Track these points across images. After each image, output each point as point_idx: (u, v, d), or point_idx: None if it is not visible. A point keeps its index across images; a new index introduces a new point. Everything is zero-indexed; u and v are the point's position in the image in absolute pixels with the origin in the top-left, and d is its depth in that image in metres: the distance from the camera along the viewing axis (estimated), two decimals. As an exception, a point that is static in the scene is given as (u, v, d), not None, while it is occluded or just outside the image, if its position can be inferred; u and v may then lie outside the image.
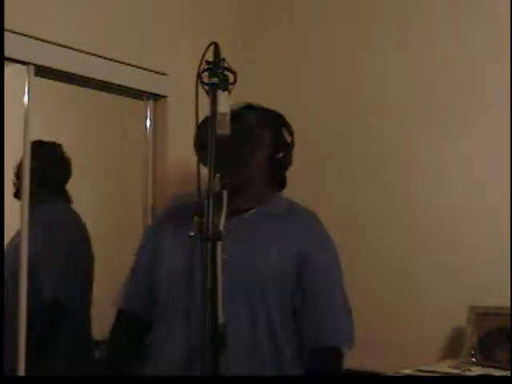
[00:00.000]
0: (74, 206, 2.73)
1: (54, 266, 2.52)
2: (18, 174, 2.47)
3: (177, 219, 1.93)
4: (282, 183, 2.05)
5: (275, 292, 1.83)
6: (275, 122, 1.99)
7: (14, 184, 2.52)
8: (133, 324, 2.01)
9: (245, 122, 1.87)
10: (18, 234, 2.30)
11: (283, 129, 2.00)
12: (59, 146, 2.73)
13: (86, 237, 2.69)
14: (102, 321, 2.56)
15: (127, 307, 2.01)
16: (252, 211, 1.91)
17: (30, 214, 2.28)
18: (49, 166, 2.64)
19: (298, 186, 2.10)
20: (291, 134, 2.03)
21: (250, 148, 1.90)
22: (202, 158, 1.59)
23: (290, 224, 1.92)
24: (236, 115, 1.57)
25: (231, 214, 1.68)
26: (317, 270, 1.88)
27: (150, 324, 1.94)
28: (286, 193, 2.05)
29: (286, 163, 2.00)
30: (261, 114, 1.96)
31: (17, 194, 2.43)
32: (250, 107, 1.96)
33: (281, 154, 1.96)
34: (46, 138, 2.64)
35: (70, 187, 2.74)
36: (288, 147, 2.00)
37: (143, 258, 2.02)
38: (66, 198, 2.72)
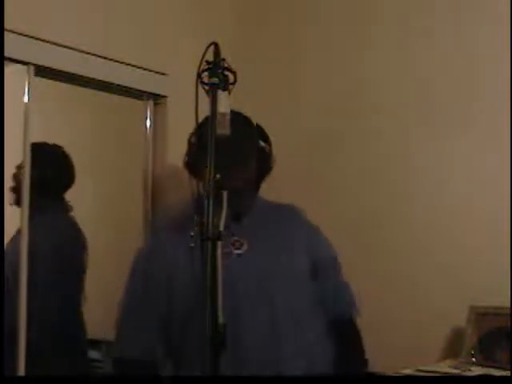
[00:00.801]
0: (73, 212, 2.70)
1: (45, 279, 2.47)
2: (17, 178, 2.45)
3: (168, 241, 1.92)
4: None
5: (291, 291, 1.88)
6: (257, 132, 2.00)
7: (13, 189, 2.46)
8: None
9: (242, 122, 1.88)
10: (18, 232, 2.29)
11: (260, 141, 1.99)
12: (60, 148, 2.70)
13: (81, 246, 2.66)
14: (100, 323, 2.58)
15: (134, 354, 1.85)
16: (249, 217, 1.93)
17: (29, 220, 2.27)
18: (49, 170, 2.59)
19: (297, 186, 2.12)
20: (270, 144, 2.03)
21: (249, 148, 1.90)
22: (201, 158, 1.59)
23: (285, 221, 1.98)
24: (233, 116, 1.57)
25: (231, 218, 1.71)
26: (324, 257, 1.99)
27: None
28: (286, 192, 2.05)
29: (268, 171, 2.02)
30: (245, 121, 1.96)
31: (16, 201, 2.39)
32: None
33: (266, 164, 1.99)
34: (46, 138, 2.63)
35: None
36: (269, 156, 2.01)
37: (147, 292, 1.90)
38: (65, 205, 2.67)
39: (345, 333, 1.98)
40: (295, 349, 1.86)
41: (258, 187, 2.03)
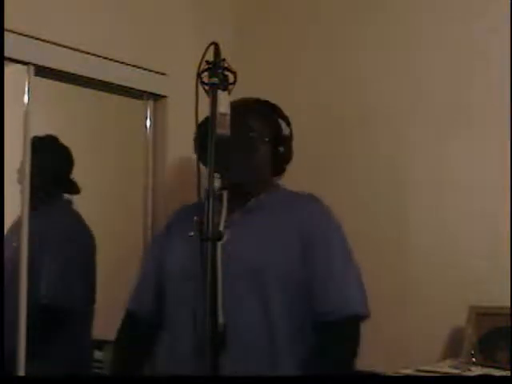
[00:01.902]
0: (79, 199, 2.72)
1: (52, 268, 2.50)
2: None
3: (183, 222, 1.93)
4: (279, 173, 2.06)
5: (281, 280, 1.83)
6: (272, 115, 2.00)
7: None
8: (138, 324, 2.03)
9: (244, 120, 1.88)
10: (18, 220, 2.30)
11: (280, 121, 1.99)
12: (54, 137, 2.70)
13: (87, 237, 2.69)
14: (106, 323, 2.58)
15: (133, 308, 2.05)
16: (251, 203, 1.93)
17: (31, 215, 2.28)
18: (48, 160, 2.60)
19: (297, 186, 2.11)
20: (289, 125, 2.03)
21: (251, 148, 1.90)
22: (201, 158, 1.59)
23: (289, 209, 1.93)
24: (234, 114, 1.57)
25: (232, 209, 1.73)
26: (320, 245, 1.89)
27: (157, 324, 1.98)
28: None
29: (287, 157, 2.02)
30: (257, 107, 1.98)
31: None
32: (245, 103, 1.96)
33: (282, 149, 1.97)
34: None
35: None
36: (287, 140, 2.01)
37: (150, 261, 2.07)
38: (69, 193, 2.70)
39: (331, 338, 1.82)
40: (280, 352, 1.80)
41: (276, 173, 2.01)
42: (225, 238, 1.72)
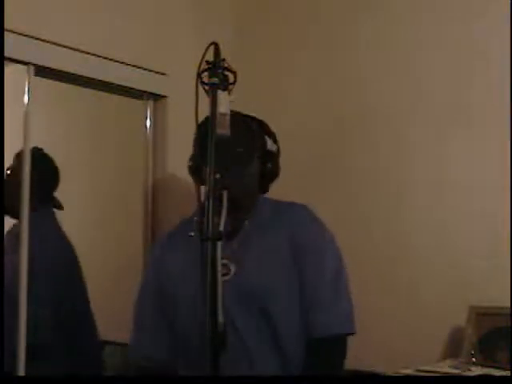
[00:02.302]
0: (79, 199, 2.69)
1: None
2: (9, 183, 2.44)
3: (178, 244, 1.95)
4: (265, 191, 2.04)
5: (279, 300, 1.85)
6: (259, 131, 1.97)
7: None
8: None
9: (241, 124, 1.87)
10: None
11: (266, 137, 1.97)
12: (40, 150, 2.61)
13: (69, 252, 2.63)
14: (106, 323, 2.58)
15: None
16: (246, 227, 1.91)
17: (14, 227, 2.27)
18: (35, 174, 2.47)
19: (297, 186, 2.12)
20: (275, 141, 2.00)
21: (239, 163, 1.87)
22: (201, 158, 1.59)
23: (284, 223, 1.92)
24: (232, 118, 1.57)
25: (229, 235, 1.74)
26: (312, 260, 1.88)
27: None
28: (285, 192, 2.05)
29: (274, 173, 1.99)
30: (244, 124, 1.92)
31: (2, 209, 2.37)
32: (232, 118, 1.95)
33: (269, 165, 1.95)
34: (46, 138, 2.63)
35: (69, 187, 2.74)
36: (274, 156, 1.98)
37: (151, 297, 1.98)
38: (52, 207, 2.65)
39: (319, 353, 1.85)
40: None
41: (262, 191, 2.00)
42: (232, 272, 1.78)
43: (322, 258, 1.90)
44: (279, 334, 1.84)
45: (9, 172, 2.49)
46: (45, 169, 2.62)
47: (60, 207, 2.66)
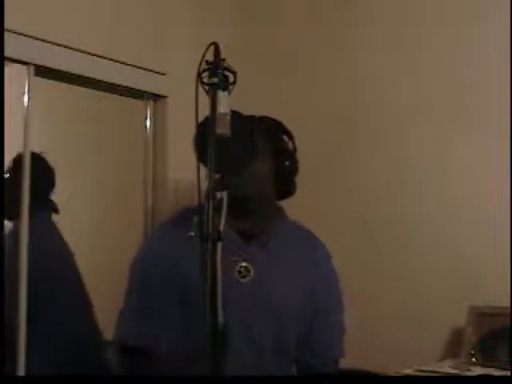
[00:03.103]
0: (79, 199, 2.68)
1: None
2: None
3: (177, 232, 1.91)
4: (288, 192, 2.03)
5: (295, 323, 1.89)
6: (273, 130, 1.98)
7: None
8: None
9: (240, 124, 1.86)
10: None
11: (283, 135, 1.98)
12: (38, 155, 2.57)
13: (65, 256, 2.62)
14: (106, 323, 2.57)
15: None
16: (265, 236, 1.91)
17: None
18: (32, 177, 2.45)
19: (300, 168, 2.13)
20: (291, 138, 2.01)
21: (248, 149, 1.88)
22: (202, 159, 1.59)
23: (304, 252, 1.96)
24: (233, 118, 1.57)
25: (247, 239, 1.80)
26: (327, 291, 1.96)
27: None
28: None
29: (292, 171, 1.99)
30: (257, 122, 1.93)
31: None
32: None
33: (286, 163, 1.95)
34: (46, 138, 2.63)
35: (69, 187, 2.73)
36: (291, 154, 1.98)
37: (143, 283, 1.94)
38: (47, 211, 2.63)
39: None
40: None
41: (282, 192, 1.98)
42: (251, 274, 1.79)
43: (332, 292, 1.98)
44: (289, 346, 1.89)
45: (7, 175, 2.48)
46: (40, 171, 2.62)
47: (56, 211, 2.65)
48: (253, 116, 1.92)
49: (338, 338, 1.98)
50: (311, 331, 1.92)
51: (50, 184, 2.67)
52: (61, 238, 2.61)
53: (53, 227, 2.63)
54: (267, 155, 1.91)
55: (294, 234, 1.99)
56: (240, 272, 1.84)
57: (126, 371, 1.90)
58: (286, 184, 1.98)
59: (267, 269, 1.86)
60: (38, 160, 2.58)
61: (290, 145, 2.00)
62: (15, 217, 2.34)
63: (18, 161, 2.40)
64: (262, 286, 1.84)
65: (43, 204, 2.62)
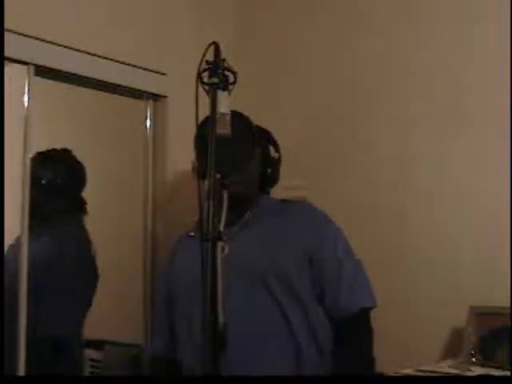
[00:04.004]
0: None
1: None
2: None
3: (187, 246, 1.98)
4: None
5: (284, 282, 1.89)
6: (262, 138, 2.03)
7: None
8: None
9: (241, 123, 1.88)
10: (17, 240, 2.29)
11: (269, 145, 2.05)
12: (69, 152, 2.65)
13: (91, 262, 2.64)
14: (106, 323, 2.58)
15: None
16: (247, 215, 1.96)
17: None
18: (62, 179, 2.55)
19: (292, 176, 2.17)
20: (277, 150, 2.08)
21: (249, 147, 1.89)
22: (202, 159, 1.59)
23: (287, 216, 1.99)
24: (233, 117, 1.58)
25: (229, 223, 1.75)
26: (327, 246, 2.00)
27: None
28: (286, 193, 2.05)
29: (274, 179, 2.08)
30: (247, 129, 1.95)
31: None
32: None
33: (269, 170, 2.03)
34: (46, 138, 2.63)
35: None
36: (275, 163, 2.06)
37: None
38: (78, 216, 2.65)
39: (346, 332, 1.96)
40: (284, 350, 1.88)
41: (263, 192, 2.06)
42: (226, 251, 1.78)
43: (335, 246, 2.02)
44: (284, 308, 1.89)
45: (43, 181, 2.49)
46: (74, 169, 2.64)
47: (85, 211, 2.66)
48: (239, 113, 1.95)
49: (357, 286, 2.00)
50: (326, 290, 1.95)
51: (82, 181, 2.68)
52: (88, 239, 2.63)
53: (82, 227, 2.65)
54: (254, 153, 1.94)
55: (278, 208, 2.03)
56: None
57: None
58: (265, 188, 2.07)
59: (241, 241, 1.88)
60: (69, 157, 2.60)
61: (276, 155, 2.07)
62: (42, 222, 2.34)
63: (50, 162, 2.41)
64: (240, 255, 1.83)
65: (76, 204, 2.64)
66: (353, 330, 1.98)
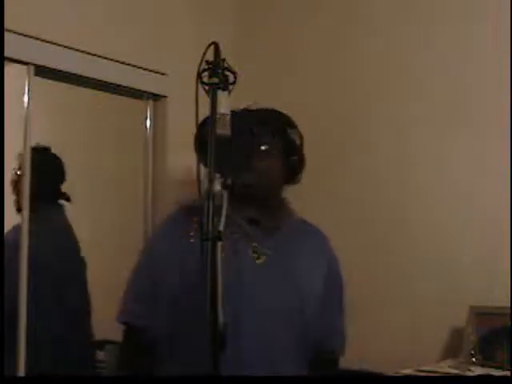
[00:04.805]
0: (79, 199, 2.69)
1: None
2: (17, 183, 2.45)
3: (181, 224, 1.89)
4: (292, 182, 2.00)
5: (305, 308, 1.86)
6: (281, 124, 1.95)
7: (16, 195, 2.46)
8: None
9: (245, 123, 1.86)
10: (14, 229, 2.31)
11: (290, 130, 1.95)
12: (47, 149, 2.65)
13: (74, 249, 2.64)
14: (106, 322, 2.57)
15: (139, 323, 1.86)
16: (276, 230, 1.88)
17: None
18: (41, 174, 2.47)
19: (296, 186, 2.12)
20: (299, 134, 1.98)
21: (262, 161, 1.87)
22: (202, 159, 1.59)
23: (313, 247, 1.93)
24: (237, 116, 1.56)
25: (254, 224, 1.78)
26: (333, 290, 1.93)
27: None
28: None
29: (300, 167, 1.95)
30: (264, 116, 1.92)
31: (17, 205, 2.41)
32: (249, 110, 1.94)
33: (293, 158, 1.92)
34: (46, 138, 2.63)
35: (69, 187, 2.74)
36: (299, 150, 1.95)
37: (148, 268, 1.92)
38: (58, 209, 2.66)
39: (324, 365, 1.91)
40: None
41: (288, 182, 1.95)
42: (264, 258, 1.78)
43: (339, 286, 1.96)
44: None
45: (19, 172, 2.49)
46: (50, 164, 2.64)
47: (68, 199, 2.67)
48: (261, 109, 1.91)
49: (342, 328, 1.94)
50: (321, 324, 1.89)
51: (62, 176, 2.68)
52: (70, 231, 2.63)
53: (64, 220, 2.65)
54: (275, 150, 1.88)
55: (303, 229, 1.95)
56: (255, 252, 1.80)
57: (129, 351, 1.89)
58: (290, 178, 1.95)
59: (277, 254, 1.82)
60: (46, 153, 2.61)
61: (298, 140, 1.95)
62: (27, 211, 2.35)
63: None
64: (277, 267, 1.80)
65: (55, 196, 2.64)
66: (329, 365, 1.93)
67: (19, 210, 2.39)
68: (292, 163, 1.92)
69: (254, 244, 1.81)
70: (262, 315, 1.78)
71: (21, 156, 2.40)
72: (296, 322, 1.84)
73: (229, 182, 1.45)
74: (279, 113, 1.99)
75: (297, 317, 1.84)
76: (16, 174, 2.48)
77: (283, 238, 1.88)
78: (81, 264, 2.63)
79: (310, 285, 1.88)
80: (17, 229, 2.31)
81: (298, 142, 1.95)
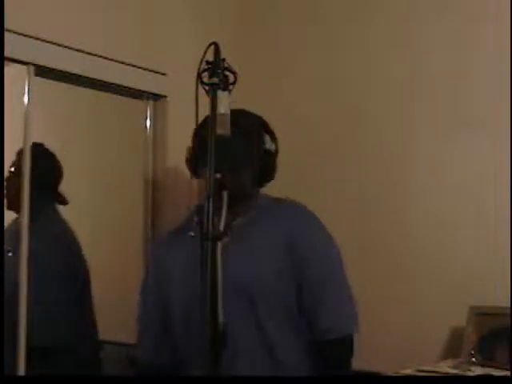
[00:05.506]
0: (79, 199, 2.68)
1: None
2: (9, 181, 2.45)
3: (178, 244, 1.92)
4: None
5: (270, 295, 1.83)
6: (259, 129, 1.95)
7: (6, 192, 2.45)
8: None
9: (241, 123, 1.86)
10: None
11: (266, 136, 1.95)
12: (41, 145, 2.59)
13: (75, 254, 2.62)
14: (106, 322, 2.58)
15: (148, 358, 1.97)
16: (239, 220, 1.88)
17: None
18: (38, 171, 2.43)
19: (296, 186, 2.12)
20: (274, 140, 1.98)
21: (249, 148, 1.88)
22: (201, 159, 1.59)
23: (278, 220, 1.90)
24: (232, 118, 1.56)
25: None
26: (315, 260, 1.88)
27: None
28: (286, 193, 2.04)
29: (271, 172, 1.97)
30: (243, 122, 1.89)
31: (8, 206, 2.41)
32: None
33: (267, 164, 1.93)
34: (46, 138, 2.63)
35: (69, 187, 2.73)
36: (272, 155, 1.95)
37: (153, 297, 1.97)
38: (56, 208, 2.64)
39: (328, 354, 1.87)
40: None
41: (259, 188, 1.98)
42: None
43: (323, 260, 1.90)
44: (266, 325, 1.82)
45: (12, 169, 2.49)
46: (47, 164, 2.62)
47: (64, 202, 2.64)
48: (237, 111, 1.85)
49: (343, 310, 1.89)
50: (311, 309, 1.86)
51: (58, 176, 2.67)
52: (67, 231, 2.62)
53: (60, 220, 2.63)
54: (249, 154, 1.89)
55: (270, 208, 1.93)
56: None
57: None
58: (260, 183, 1.97)
59: (234, 254, 1.77)
60: (43, 152, 2.59)
61: (273, 146, 1.96)
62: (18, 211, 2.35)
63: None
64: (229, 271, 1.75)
65: (51, 197, 2.63)
66: (334, 355, 1.88)
67: (9, 207, 2.40)
68: (264, 169, 1.93)
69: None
70: (226, 292, 1.76)
71: (18, 154, 2.40)
72: (263, 296, 1.80)
73: (227, 181, 1.46)
74: (250, 114, 1.98)
75: (260, 290, 1.81)
76: (9, 171, 2.48)
77: (246, 219, 1.87)
78: (82, 264, 2.62)
79: (264, 257, 1.84)
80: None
81: (268, 145, 1.94)
